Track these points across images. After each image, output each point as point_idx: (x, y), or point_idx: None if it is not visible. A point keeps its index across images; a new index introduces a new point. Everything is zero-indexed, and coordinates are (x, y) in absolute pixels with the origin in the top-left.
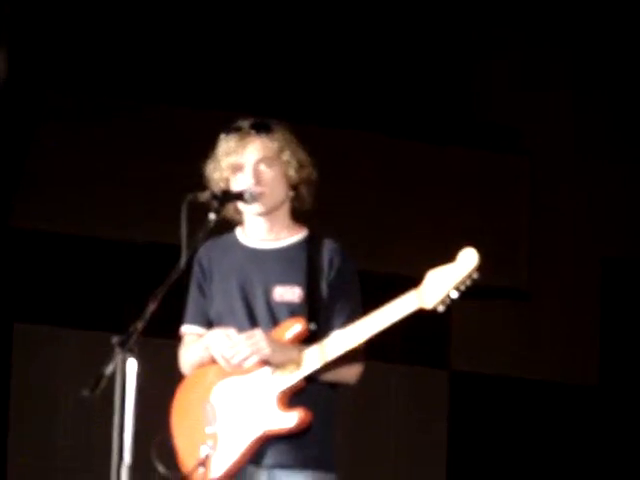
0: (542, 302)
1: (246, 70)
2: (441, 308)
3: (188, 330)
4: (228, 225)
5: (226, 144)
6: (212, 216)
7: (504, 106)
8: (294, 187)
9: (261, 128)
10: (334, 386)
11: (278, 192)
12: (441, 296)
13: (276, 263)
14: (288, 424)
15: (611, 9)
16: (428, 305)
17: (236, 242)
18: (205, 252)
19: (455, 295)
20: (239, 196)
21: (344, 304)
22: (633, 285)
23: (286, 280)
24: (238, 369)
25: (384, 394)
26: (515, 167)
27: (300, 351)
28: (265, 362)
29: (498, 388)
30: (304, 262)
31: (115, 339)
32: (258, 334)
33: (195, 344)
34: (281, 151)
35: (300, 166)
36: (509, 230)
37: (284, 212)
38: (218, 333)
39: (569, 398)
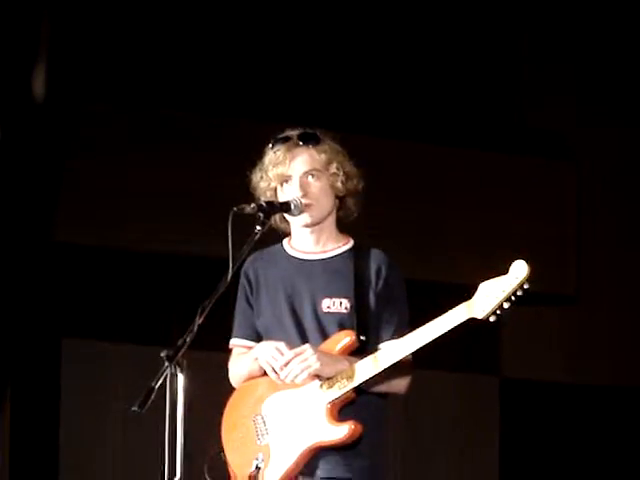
0: (591, 307)
1: (292, 81)
2: (493, 318)
3: (237, 343)
4: (275, 234)
5: (274, 155)
6: (258, 228)
7: (552, 111)
8: (341, 198)
9: (309, 139)
10: (384, 396)
11: (325, 203)
12: (493, 306)
13: (323, 274)
14: (338, 436)
15: None
16: (480, 315)
17: (283, 253)
18: (252, 264)
19: (507, 305)
20: (285, 207)
21: (392, 314)
22: None
23: (334, 291)
24: (289, 383)
25: (435, 402)
26: (562, 172)
27: (350, 363)
28: (316, 375)
29: (549, 394)
30: (351, 273)
31: (164, 353)
32: (307, 350)
33: (244, 357)
34: (329, 163)
35: (347, 178)
36: (557, 236)
37: (330, 223)
38: (268, 345)
39: (621, 402)
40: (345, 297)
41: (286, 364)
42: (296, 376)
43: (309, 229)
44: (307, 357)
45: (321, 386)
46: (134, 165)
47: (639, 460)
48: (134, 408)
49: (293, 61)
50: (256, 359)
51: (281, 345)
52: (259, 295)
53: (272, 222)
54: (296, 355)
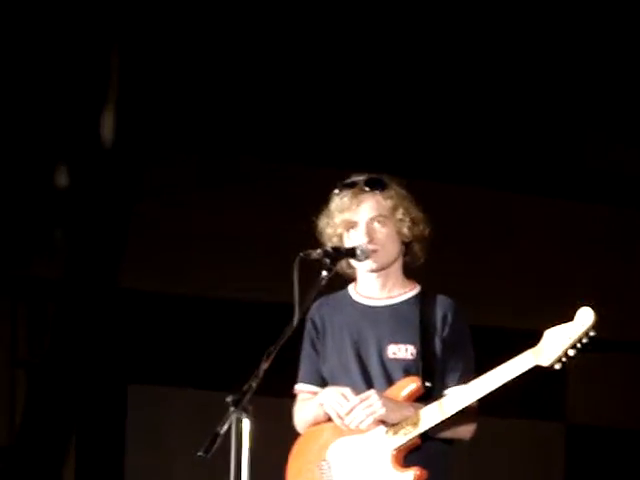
0: None
1: (355, 125)
2: (558, 366)
3: (302, 388)
4: (341, 280)
5: (340, 200)
6: (324, 273)
7: (619, 157)
8: (407, 243)
9: (375, 185)
10: (449, 442)
11: (391, 249)
12: (558, 354)
13: (389, 320)
14: None
15: None
16: (545, 363)
17: (349, 299)
18: (317, 310)
19: (572, 353)
20: (351, 253)
21: (458, 361)
22: None
23: (400, 338)
24: (354, 429)
25: (500, 449)
26: (631, 218)
27: (415, 409)
28: (381, 421)
29: (615, 440)
30: (417, 319)
31: (229, 398)
32: (373, 395)
33: (310, 402)
34: (395, 209)
35: (413, 224)
36: (630, 284)
37: (397, 268)
38: (333, 391)
39: None
40: (411, 343)
41: (351, 410)
42: (361, 422)
43: (375, 275)
44: (372, 403)
45: (387, 432)
46: (199, 209)
47: None
48: (200, 453)
49: (355, 105)
50: (321, 405)
51: (346, 391)
52: (325, 340)
53: (338, 268)
54: (362, 401)
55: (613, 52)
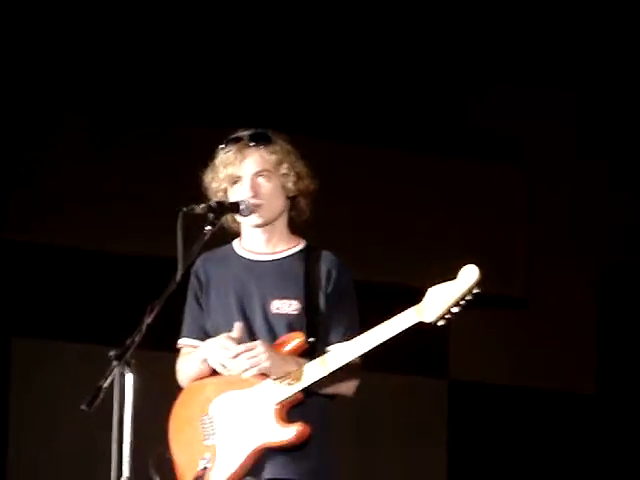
0: (539, 310)
1: (248, 82)
2: (441, 323)
3: (186, 343)
4: (226, 234)
5: (224, 155)
6: (208, 228)
7: (501, 114)
8: (292, 198)
9: (260, 139)
10: (332, 398)
11: (275, 204)
12: (442, 311)
13: (274, 275)
14: (286, 437)
15: (614, 9)
16: (428, 319)
17: (233, 254)
18: (202, 264)
19: (456, 310)
20: (235, 208)
21: (342, 316)
22: (631, 292)
23: (284, 293)
24: (237, 380)
25: (382, 405)
26: (512, 176)
27: (299, 364)
28: (264, 374)
29: (497, 397)
30: (302, 274)
31: (112, 352)
32: (259, 346)
33: (192, 356)
34: (279, 163)
35: (298, 178)
36: (506, 239)
37: (282, 223)
38: (214, 342)
39: (567, 406)
40: (295, 299)
41: (236, 355)
42: (245, 370)
43: (260, 229)
44: (258, 354)
45: (269, 387)
46: (86, 163)
47: (583, 463)
48: (83, 407)
49: (237, 61)
50: (204, 360)
51: (227, 342)
52: (209, 295)
53: (223, 222)
54: (247, 349)
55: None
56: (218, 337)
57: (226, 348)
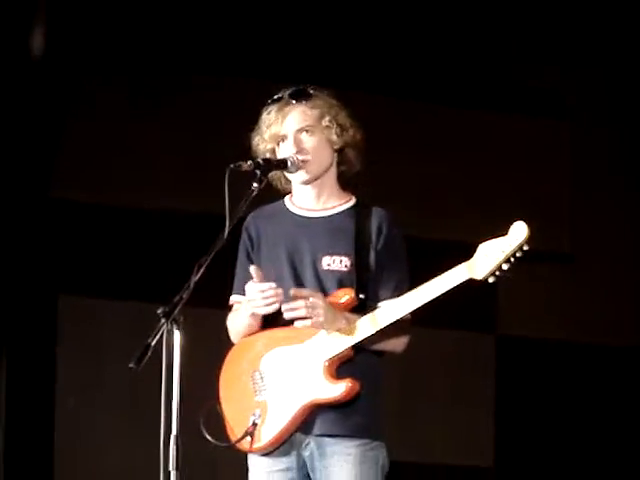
0: (586, 265)
1: (291, 38)
2: (491, 279)
3: (237, 299)
4: (280, 196)
5: (267, 115)
6: (255, 185)
7: (547, 70)
8: (339, 151)
9: (300, 96)
10: (381, 354)
11: (321, 159)
12: (492, 267)
13: (324, 232)
14: (335, 394)
15: None
16: (479, 276)
17: (284, 210)
18: (253, 220)
19: (506, 267)
20: (282, 165)
21: (392, 273)
22: None
23: (334, 249)
24: (287, 336)
25: (431, 360)
26: (557, 131)
27: (348, 321)
28: (315, 329)
29: (544, 351)
30: (352, 230)
31: (160, 310)
32: (320, 301)
33: (240, 312)
34: (321, 117)
35: (342, 130)
36: (552, 193)
37: (331, 179)
38: (254, 286)
39: (615, 360)
40: (346, 255)
41: (295, 297)
42: (297, 316)
43: (309, 186)
44: (317, 306)
45: (319, 343)
46: (133, 122)
47: (632, 418)
48: (131, 365)
49: (286, 17)
50: (253, 314)
51: (265, 285)
52: (260, 251)
53: (274, 181)
54: (309, 295)
55: None
56: (259, 284)
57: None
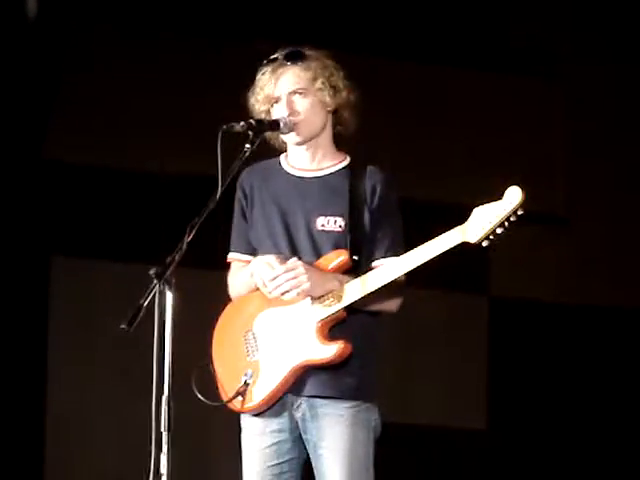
0: (580, 227)
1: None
2: (485, 243)
3: (234, 257)
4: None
5: (262, 76)
6: (247, 146)
7: (541, 30)
8: (334, 112)
9: (294, 57)
10: (375, 315)
11: (314, 120)
12: (486, 231)
13: (318, 192)
14: (327, 355)
15: None
16: (472, 239)
17: (279, 169)
18: (248, 176)
19: (500, 231)
20: (275, 126)
21: (386, 233)
22: None
23: (329, 210)
24: (279, 299)
25: (424, 322)
26: (550, 91)
27: (341, 282)
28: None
29: (537, 313)
30: (346, 191)
31: (152, 271)
32: (299, 267)
33: (241, 271)
34: (314, 79)
35: (336, 91)
36: (545, 155)
37: (326, 140)
38: (261, 260)
39: (610, 322)
40: (340, 216)
41: (275, 277)
42: (285, 292)
43: (303, 147)
44: (298, 275)
45: (312, 304)
46: (127, 83)
47: (625, 380)
48: (123, 326)
49: None
50: (252, 275)
51: (272, 259)
52: (253, 206)
53: (271, 140)
54: (287, 270)
55: None
56: (267, 256)
57: (270, 265)
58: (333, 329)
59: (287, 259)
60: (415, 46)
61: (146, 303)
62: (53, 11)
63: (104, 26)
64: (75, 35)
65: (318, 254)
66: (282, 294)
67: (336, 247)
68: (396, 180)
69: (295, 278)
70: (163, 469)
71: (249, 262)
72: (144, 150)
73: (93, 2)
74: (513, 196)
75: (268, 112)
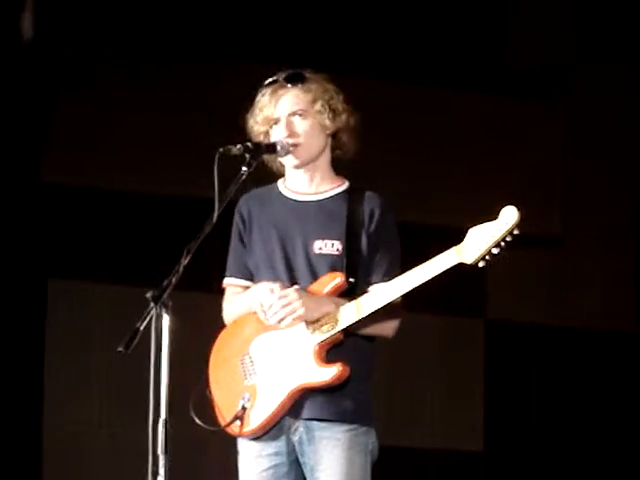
0: (577, 248)
1: (286, 22)
2: (482, 263)
3: (230, 282)
4: (275, 177)
5: (261, 98)
6: (244, 169)
7: (538, 52)
8: (333, 136)
9: (294, 79)
10: (372, 339)
11: (312, 143)
12: (482, 252)
13: (316, 216)
14: (326, 378)
15: None
16: (469, 260)
17: (277, 193)
18: (245, 202)
19: (496, 251)
20: (272, 149)
21: (383, 257)
22: None
23: (326, 234)
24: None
25: (421, 345)
26: (549, 113)
27: (337, 305)
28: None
29: (533, 336)
30: (344, 215)
31: (149, 294)
32: (291, 294)
33: (241, 295)
34: (314, 101)
35: (335, 114)
36: (543, 177)
37: (324, 163)
38: (262, 286)
39: (605, 345)
40: (337, 239)
41: (271, 306)
42: (280, 320)
43: (301, 170)
44: (291, 301)
45: (309, 328)
46: (124, 105)
47: (623, 402)
48: (120, 349)
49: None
50: (252, 298)
51: (275, 286)
52: (251, 232)
53: (270, 163)
54: (280, 298)
55: None
56: (266, 283)
57: (272, 292)
58: (330, 352)
59: (288, 287)
60: (416, 69)
61: (143, 326)
62: (49, 34)
63: (100, 50)
64: (71, 58)
65: (315, 277)
66: (279, 322)
67: (332, 270)
68: (394, 205)
69: (289, 304)
70: None
71: (245, 287)
72: (141, 173)
73: (89, 26)
74: (509, 216)
75: (267, 133)
